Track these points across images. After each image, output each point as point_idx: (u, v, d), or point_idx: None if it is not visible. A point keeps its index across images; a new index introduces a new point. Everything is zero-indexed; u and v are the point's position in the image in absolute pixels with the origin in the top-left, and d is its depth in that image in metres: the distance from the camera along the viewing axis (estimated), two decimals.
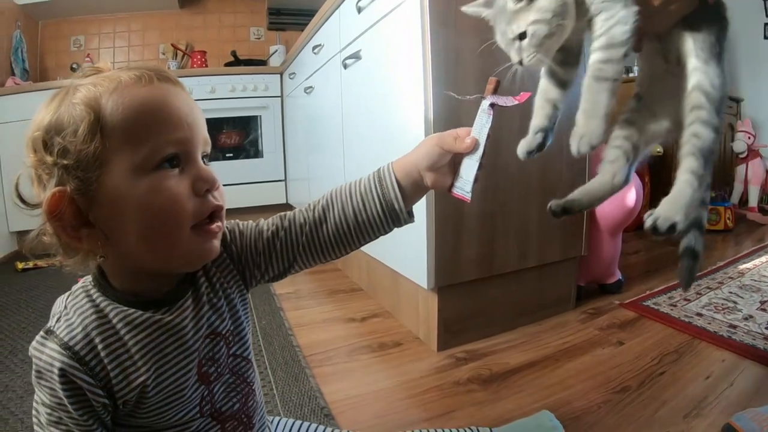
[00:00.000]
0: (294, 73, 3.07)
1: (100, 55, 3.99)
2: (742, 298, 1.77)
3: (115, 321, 0.60)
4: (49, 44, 3.91)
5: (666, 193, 0.69)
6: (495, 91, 0.69)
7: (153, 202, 0.56)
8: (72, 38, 3.96)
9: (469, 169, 0.69)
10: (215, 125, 3.45)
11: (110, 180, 0.56)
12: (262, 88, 3.51)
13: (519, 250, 1.52)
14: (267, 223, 0.74)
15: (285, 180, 3.63)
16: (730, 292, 1.84)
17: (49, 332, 0.58)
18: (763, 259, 2.34)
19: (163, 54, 4.10)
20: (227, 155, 3.50)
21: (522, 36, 0.65)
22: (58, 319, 0.59)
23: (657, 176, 3.18)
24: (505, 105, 0.68)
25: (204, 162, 0.63)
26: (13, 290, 2.27)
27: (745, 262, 2.28)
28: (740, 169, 3.77)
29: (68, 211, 0.56)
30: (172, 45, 4.02)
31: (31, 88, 3.20)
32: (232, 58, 3.93)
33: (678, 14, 0.66)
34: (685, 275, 0.78)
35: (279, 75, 3.56)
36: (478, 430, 0.95)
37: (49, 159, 0.55)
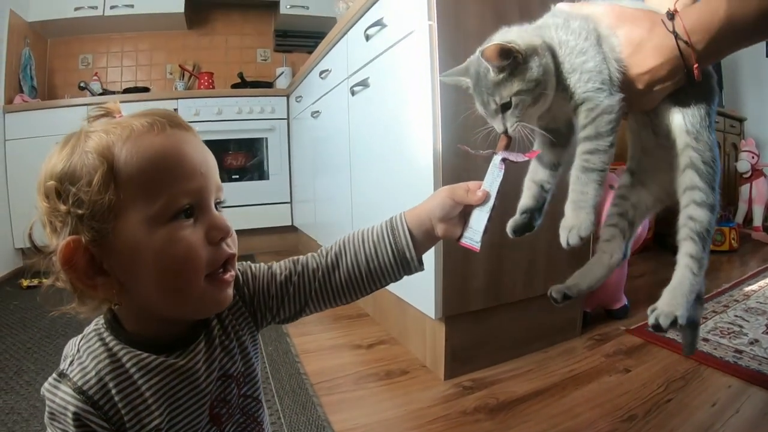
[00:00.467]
0: (301, 96, 3.10)
1: (108, 73, 4.02)
2: (747, 321, 1.77)
3: (128, 365, 0.60)
4: (58, 62, 3.95)
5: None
6: (506, 147, 0.70)
7: (168, 252, 0.56)
8: (80, 56, 4.00)
9: (479, 220, 0.71)
10: (222, 146, 3.48)
11: (125, 230, 0.56)
12: (268, 110, 3.52)
13: (526, 279, 1.53)
14: (280, 266, 0.75)
15: (291, 202, 3.63)
16: (736, 316, 1.84)
17: (63, 375, 0.58)
18: None
19: (171, 74, 4.13)
20: (233, 177, 3.51)
21: (505, 107, 0.65)
22: (71, 362, 0.59)
23: None
24: (515, 161, 0.70)
25: (217, 208, 0.64)
26: (17, 308, 2.29)
27: (750, 284, 2.28)
28: (744, 189, 3.78)
29: (83, 260, 0.56)
30: (180, 66, 4.05)
31: (39, 106, 3.25)
32: (238, 80, 3.97)
33: (663, 93, 0.67)
34: (687, 346, 0.80)
35: (286, 97, 3.58)
36: None
37: (62, 208, 0.55)
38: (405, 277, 1.46)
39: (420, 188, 1.44)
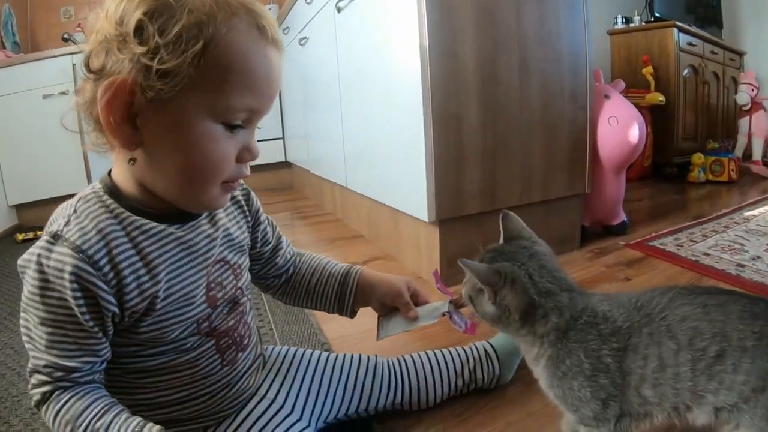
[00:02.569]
0: (288, 27, 3.00)
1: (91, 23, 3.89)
2: (748, 240, 1.74)
3: (130, 229, 0.57)
4: (39, 16, 3.81)
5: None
6: (458, 307, 0.79)
7: (205, 148, 0.55)
8: (62, 9, 3.86)
9: (394, 326, 0.81)
10: None
11: (180, 104, 0.53)
12: None
13: (522, 185, 1.48)
14: (283, 244, 0.87)
15: (283, 138, 3.59)
16: (737, 236, 1.81)
17: (57, 236, 0.54)
18: None
19: None
20: None
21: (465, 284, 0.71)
22: (67, 223, 0.55)
23: (659, 124, 3.14)
24: (453, 325, 0.78)
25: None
26: (13, 260, 2.23)
27: (750, 210, 2.25)
28: (743, 122, 3.70)
29: (124, 103, 0.52)
30: None
31: (22, 60, 3.11)
32: None
33: None
34: None
35: None
36: (475, 346, 0.93)
37: (138, 49, 0.50)
38: (398, 185, 1.41)
39: (409, 121, 1.40)
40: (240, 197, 0.75)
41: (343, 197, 2.35)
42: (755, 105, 3.65)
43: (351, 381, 0.82)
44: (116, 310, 0.55)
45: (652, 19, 3.35)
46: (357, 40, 1.83)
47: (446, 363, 0.89)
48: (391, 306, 0.83)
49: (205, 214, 0.66)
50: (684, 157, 3.20)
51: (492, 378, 0.90)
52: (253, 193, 0.79)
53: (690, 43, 3.31)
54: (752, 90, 3.63)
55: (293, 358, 0.83)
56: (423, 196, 1.35)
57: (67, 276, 0.51)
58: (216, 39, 0.52)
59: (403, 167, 1.47)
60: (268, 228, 0.82)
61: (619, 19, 3.57)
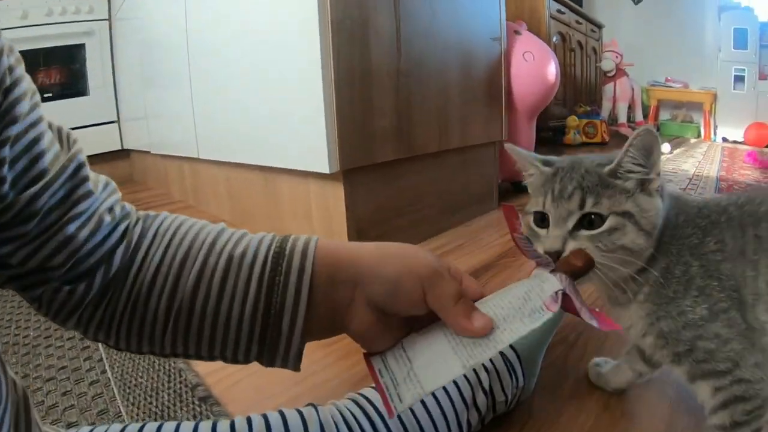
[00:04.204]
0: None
1: None
2: None
3: None
4: None
5: None
6: (576, 276, 0.37)
7: None
8: None
9: (437, 367, 0.33)
10: (30, 61, 2.73)
11: None
12: (85, 9, 2.85)
13: (439, 126, 1.20)
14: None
15: (118, 121, 3.00)
16: None
17: None
18: None
19: None
20: (45, 95, 2.80)
21: (587, 221, 0.43)
22: None
23: None
24: (577, 313, 0.35)
25: None
26: None
27: None
28: (608, 88, 3.88)
29: None
30: None
31: None
32: None
33: None
34: None
35: None
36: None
37: None
38: (276, 135, 1.12)
39: (296, 30, 1.01)
40: None
41: (194, 175, 1.87)
42: (618, 72, 3.81)
43: None
44: None
45: None
46: None
47: (447, 394, 0.49)
48: (404, 317, 0.38)
49: None
50: (556, 121, 3.21)
51: (516, 394, 0.55)
52: (6, 48, 0.30)
53: (559, 11, 3.33)
54: (616, 57, 3.78)
55: None
56: (321, 137, 0.98)
57: None
58: None
59: (287, 104, 1.09)
60: (45, 142, 0.32)
61: None
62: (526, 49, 1.45)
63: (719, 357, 0.42)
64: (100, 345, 0.78)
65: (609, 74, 3.80)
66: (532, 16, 3.14)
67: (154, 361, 0.73)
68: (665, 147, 2.81)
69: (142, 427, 0.41)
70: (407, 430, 0.43)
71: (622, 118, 3.74)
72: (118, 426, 0.41)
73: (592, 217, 0.42)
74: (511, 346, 0.51)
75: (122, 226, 0.37)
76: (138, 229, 0.38)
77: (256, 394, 0.45)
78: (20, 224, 0.31)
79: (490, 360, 0.52)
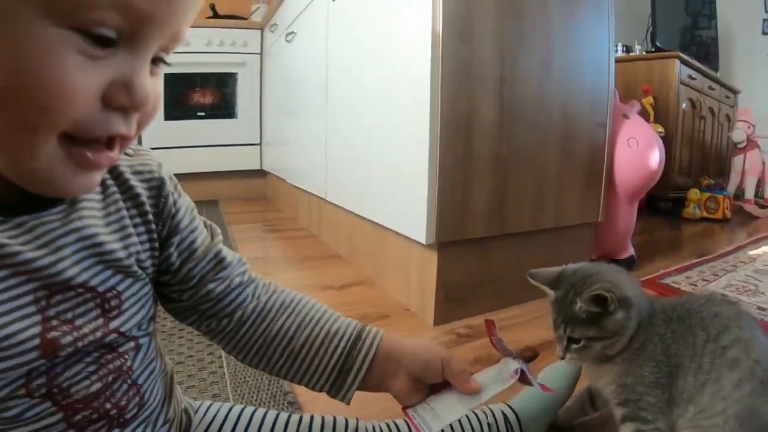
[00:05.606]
0: (275, 24, 2.80)
1: None
2: (761, 281, 1.66)
3: None
4: None
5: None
6: (528, 361, 0.62)
7: (32, 70, 0.30)
8: None
9: (450, 410, 0.56)
10: (189, 82, 3.14)
11: None
12: (240, 43, 3.23)
13: (534, 206, 1.30)
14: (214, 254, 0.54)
15: (260, 144, 3.36)
16: (747, 276, 1.74)
17: None
18: None
19: None
20: (199, 114, 3.20)
21: (573, 340, 0.65)
22: None
23: None
24: (529, 383, 0.58)
25: (156, 64, 0.39)
26: None
27: (753, 249, 2.21)
28: (737, 160, 3.66)
29: None
30: None
31: None
32: (210, 12, 3.62)
33: None
34: None
35: (260, 30, 3.28)
36: (491, 409, 0.72)
37: None
38: (390, 199, 1.27)
39: (411, 120, 1.19)
40: (142, 191, 0.46)
41: (320, 211, 2.12)
42: (750, 143, 3.61)
43: None
44: None
45: (653, 50, 3.30)
46: (353, 29, 1.63)
47: None
48: (427, 381, 0.57)
49: (57, 209, 0.40)
50: (678, 192, 3.13)
51: None
52: (170, 187, 0.49)
53: (690, 76, 3.25)
54: (748, 128, 3.58)
55: (235, 425, 0.59)
56: (422, 212, 1.14)
57: None
58: None
59: (399, 177, 1.26)
60: (198, 240, 0.52)
61: (620, 48, 3.48)
62: (631, 135, 1.50)
63: (652, 410, 0.62)
64: None
65: (739, 146, 3.61)
66: (662, 83, 3.11)
67: None
68: None
69: (254, 411, 0.61)
70: None
71: (750, 193, 3.52)
72: (239, 407, 0.62)
73: (576, 337, 0.64)
74: (513, 410, 0.72)
75: (250, 288, 0.56)
76: (266, 297, 0.57)
77: (332, 407, 0.63)
78: (182, 283, 0.51)
79: (491, 413, 0.71)
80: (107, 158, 0.37)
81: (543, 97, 1.26)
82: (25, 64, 0.30)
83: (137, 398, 0.45)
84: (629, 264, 1.69)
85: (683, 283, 1.57)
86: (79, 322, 0.40)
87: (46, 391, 0.38)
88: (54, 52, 0.30)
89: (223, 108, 3.30)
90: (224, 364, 0.98)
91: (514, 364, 0.59)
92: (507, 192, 1.23)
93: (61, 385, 0.39)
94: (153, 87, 0.37)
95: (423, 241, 1.15)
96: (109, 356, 0.43)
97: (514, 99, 1.20)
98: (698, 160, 3.48)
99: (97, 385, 0.41)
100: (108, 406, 0.42)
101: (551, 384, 0.73)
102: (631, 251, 1.71)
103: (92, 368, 0.41)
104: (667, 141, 3.00)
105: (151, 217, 0.47)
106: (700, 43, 3.89)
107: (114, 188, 0.45)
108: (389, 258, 1.43)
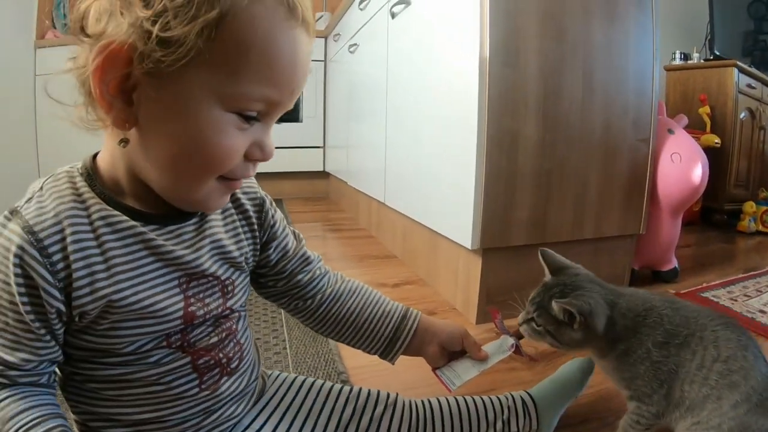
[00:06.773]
0: (339, 34, 2.96)
1: None
2: None
3: (95, 217, 0.51)
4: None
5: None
6: (520, 338, 0.83)
7: (209, 140, 0.48)
8: None
9: (467, 371, 0.79)
10: None
11: (185, 82, 0.45)
12: None
13: (575, 217, 1.38)
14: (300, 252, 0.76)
15: (324, 147, 3.54)
16: None
17: (15, 212, 0.49)
18: None
19: None
20: None
21: (534, 320, 0.79)
22: (29, 200, 0.50)
23: (711, 168, 2.99)
24: (523, 356, 0.84)
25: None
26: None
27: None
28: None
29: (118, 72, 0.45)
30: None
31: (71, 41, 3.13)
32: None
33: None
34: None
35: (323, 39, 3.45)
36: (512, 395, 0.83)
37: (140, 10, 0.43)
38: (441, 206, 1.40)
39: (460, 136, 1.32)
40: (249, 208, 0.65)
41: (379, 213, 2.27)
42: None
43: (366, 419, 0.72)
44: (61, 307, 0.49)
45: (711, 57, 3.24)
46: (409, 47, 1.76)
47: (477, 411, 0.78)
48: (453, 351, 0.80)
49: (193, 220, 0.58)
50: (734, 204, 3.05)
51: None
52: (269, 204, 0.69)
53: (749, 85, 3.17)
54: None
55: (299, 389, 0.73)
56: (468, 220, 1.26)
57: (11, 257, 0.46)
58: (235, 10, 0.44)
59: (449, 187, 1.38)
60: (290, 243, 0.72)
61: (677, 55, 3.44)
62: (675, 150, 1.54)
63: (651, 400, 0.72)
64: (284, 329, 1.21)
65: None
66: (719, 92, 3.05)
67: (319, 350, 1.12)
68: None
69: (314, 381, 0.77)
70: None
71: None
72: (302, 377, 0.78)
73: (538, 322, 0.78)
74: (529, 395, 0.84)
75: (326, 278, 0.77)
76: (337, 285, 0.77)
77: (376, 384, 0.84)
78: (277, 275, 0.72)
79: (512, 398, 0.82)
80: (239, 184, 0.56)
81: (585, 114, 1.34)
82: (202, 135, 0.47)
83: (240, 353, 0.63)
84: (671, 276, 1.73)
85: (723, 298, 1.58)
86: (207, 300, 0.58)
87: (180, 344, 0.56)
88: (222, 128, 0.48)
89: (290, 112, 3.46)
90: (287, 346, 1.14)
91: (510, 340, 0.82)
92: (548, 203, 1.33)
93: (190, 340, 0.57)
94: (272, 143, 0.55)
95: (469, 246, 1.27)
96: (223, 321, 0.61)
97: (557, 117, 1.29)
98: (757, 172, 3.39)
99: (215, 339, 0.59)
100: (220, 355, 0.60)
101: (567, 375, 0.88)
102: (674, 263, 1.74)
103: (211, 329, 0.59)
104: (724, 152, 2.96)
105: (255, 227, 0.66)
106: (764, 48, 3.78)
107: (230, 205, 0.63)
108: (440, 260, 1.55)
